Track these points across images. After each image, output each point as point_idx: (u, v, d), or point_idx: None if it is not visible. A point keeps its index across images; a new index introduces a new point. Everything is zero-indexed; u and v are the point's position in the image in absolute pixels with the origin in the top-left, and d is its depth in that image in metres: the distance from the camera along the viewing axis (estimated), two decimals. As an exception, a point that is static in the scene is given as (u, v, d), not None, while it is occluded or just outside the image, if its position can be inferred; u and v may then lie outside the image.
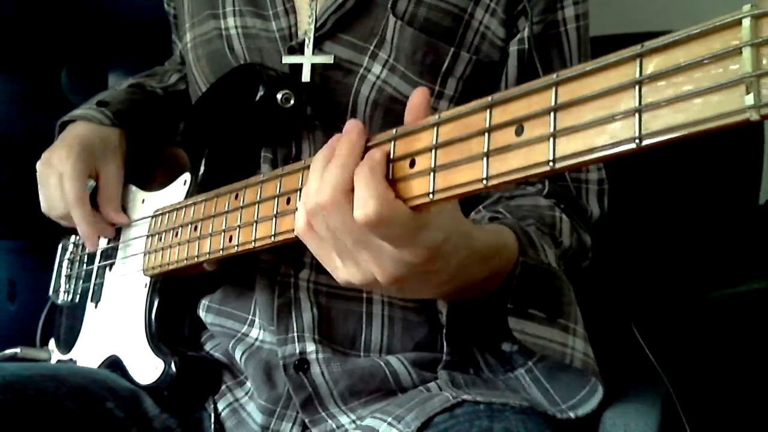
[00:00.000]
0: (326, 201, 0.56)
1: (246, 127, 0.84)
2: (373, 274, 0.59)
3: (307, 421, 0.82)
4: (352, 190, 0.56)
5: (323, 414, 0.82)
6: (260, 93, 0.81)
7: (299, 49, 0.84)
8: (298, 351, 0.82)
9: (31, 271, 1.10)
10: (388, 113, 0.83)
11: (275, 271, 0.85)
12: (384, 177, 0.55)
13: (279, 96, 0.80)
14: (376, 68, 0.83)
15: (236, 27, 0.90)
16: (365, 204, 0.54)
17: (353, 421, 0.81)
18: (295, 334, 0.83)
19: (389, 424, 0.75)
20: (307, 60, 0.83)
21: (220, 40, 0.91)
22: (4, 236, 1.46)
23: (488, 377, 0.80)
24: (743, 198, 1.04)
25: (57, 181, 0.95)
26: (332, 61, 0.83)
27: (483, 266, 0.66)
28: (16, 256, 1.46)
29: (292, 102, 0.81)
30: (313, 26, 0.83)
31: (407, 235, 0.56)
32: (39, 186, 0.98)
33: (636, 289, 1.03)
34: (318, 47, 0.84)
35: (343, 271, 0.61)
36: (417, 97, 0.57)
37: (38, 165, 0.97)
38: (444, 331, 0.76)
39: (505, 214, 0.80)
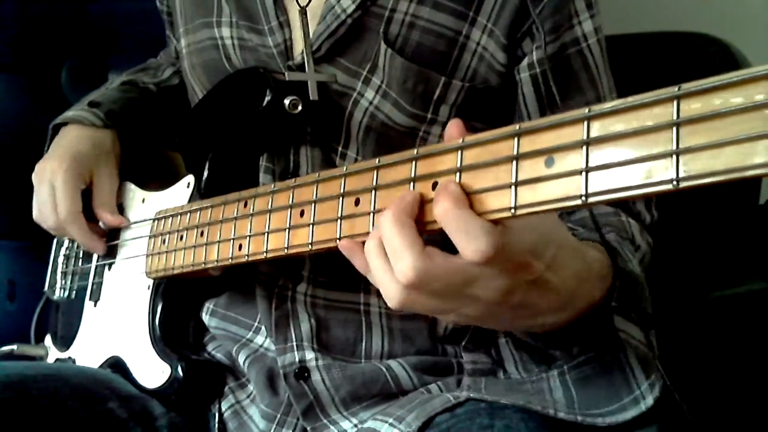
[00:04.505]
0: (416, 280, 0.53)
1: (251, 131, 0.83)
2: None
3: (308, 428, 0.82)
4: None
5: (325, 421, 0.82)
6: (267, 98, 0.79)
7: (298, 69, 0.83)
8: (297, 359, 0.82)
9: (30, 270, 1.09)
10: (381, 138, 0.83)
11: (273, 283, 0.85)
12: (473, 213, 0.52)
13: (287, 102, 0.79)
14: (369, 93, 0.81)
15: (232, 38, 0.88)
16: (476, 240, 0.51)
17: (355, 426, 0.82)
18: (294, 343, 0.83)
19: (390, 425, 0.75)
20: (312, 78, 0.81)
21: (215, 50, 0.90)
22: (4, 236, 1.45)
23: (511, 382, 0.79)
24: (743, 198, 1.04)
25: (49, 193, 0.94)
26: (336, 79, 0.81)
27: (587, 285, 0.64)
28: (16, 256, 1.46)
29: (299, 108, 0.79)
30: (310, 48, 0.81)
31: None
32: (34, 196, 0.96)
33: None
34: (315, 67, 0.82)
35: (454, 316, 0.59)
36: (453, 129, 0.55)
37: (33, 176, 0.96)
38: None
39: (576, 228, 0.77)
